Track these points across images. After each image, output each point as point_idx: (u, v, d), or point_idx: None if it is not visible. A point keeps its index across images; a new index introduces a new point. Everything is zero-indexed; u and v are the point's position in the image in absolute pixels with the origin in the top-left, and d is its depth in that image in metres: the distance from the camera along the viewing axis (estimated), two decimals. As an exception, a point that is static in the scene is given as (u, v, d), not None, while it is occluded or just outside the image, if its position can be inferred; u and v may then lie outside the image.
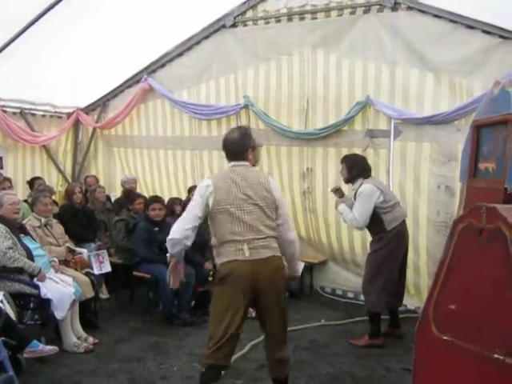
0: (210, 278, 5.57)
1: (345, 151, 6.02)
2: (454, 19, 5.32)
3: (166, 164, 7.81)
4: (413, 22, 5.59)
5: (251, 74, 6.74)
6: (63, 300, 4.60)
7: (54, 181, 8.13)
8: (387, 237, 4.85)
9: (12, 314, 4.12)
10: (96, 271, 5.65)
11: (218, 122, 7.10)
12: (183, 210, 5.87)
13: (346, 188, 5.31)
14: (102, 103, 8.15)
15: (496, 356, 2.35)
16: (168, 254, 3.54)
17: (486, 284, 2.48)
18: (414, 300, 5.94)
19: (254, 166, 3.56)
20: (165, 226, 5.86)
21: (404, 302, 5.41)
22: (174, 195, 7.22)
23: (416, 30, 5.58)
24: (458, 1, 5.13)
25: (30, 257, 4.68)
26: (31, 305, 4.44)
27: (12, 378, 3.61)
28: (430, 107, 5.61)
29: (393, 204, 4.89)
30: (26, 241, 4.85)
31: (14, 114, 7.44)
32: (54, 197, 6.55)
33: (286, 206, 3.59)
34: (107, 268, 5.87)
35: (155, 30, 6.37)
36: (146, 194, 7.27)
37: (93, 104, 8.24)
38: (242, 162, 3.44)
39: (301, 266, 6.29)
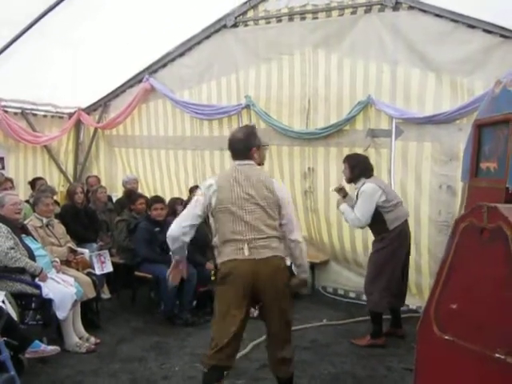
0: (213, 278, 5.57)
1: (346, 151, 6.03)
2: (455, 19, 5.31)
3: (167, 164, 7.81)
4: (414, 21, 5.58)
5: (252, 73, 6.74)
6: (65, 300, 4.61)
7: (56, 181, 8.14)
8: (390, 236, 4.85)
9: (14, 314, 4.12)
10: (98, 271, 5.67)
11: (220, 122, 7.10)
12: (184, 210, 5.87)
13: (347, 187, 5.31)
14: (104, 103, 8.15)
15: (497, 355, 2.35)
16: (171, 252, 3.55)
17: (487, 283, 2.47)
18: (415, 299, 5.93)
19: (259, 165, 3.55)
20: (166, 226, 5.80)
21: (406, 302, 5.40)
22: (176, 195, 7.22)
23: (417, 29, 5.57)
24: (459, 0, 5.13)
25: (32, 257, 4.69)
26: (33, 305, 4.45)
27: (14, 378, 3.62)
28: (431, 107, 5.60)
29: (395, 203, 4.89)
30: (28, 241, 4.85)
31: (16, 114, 7.45)
32: (55, 197, 6.57)
33: (291, 206, 3.53)
34: (109, 268, 5.88)
35: (156, 30, 6.38)
36: (148, 194, 7.28)
37: (94, 104, 8.25)
38: (246, 162, 3.44)
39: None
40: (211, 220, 6.38)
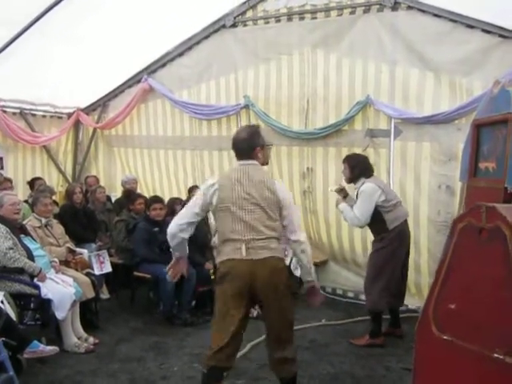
0: (213, 277, 5.59)
1: (345, 151, 6.03)
2: (454, 18, 5.32)
3: (166, 164, 7.81)
4: (413, 21, 5.59)
5: (251, 73, 6.75)
6: (64, 300, 4.60)
7: (55, 181, 8.13)
8: (389, 236, 4.85)
9: (12, 315, 4.12)
10: (96, 271, 5.66)
11: (219, 122, 7.10)
12: (183, 210, 5.85)
13: (347, 187, 5.31)
14: (103, 103, 8.15)
15: (496, 355, 2.35)
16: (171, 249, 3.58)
17: (485, 283, 2.47)
18: (414, 299, 5.93)
19: (263, 165, 3.55)
20: (165, 226, 5.79)
21: (405, 302, 5.40)
22: (175, 195, 7.21)
23: (416, 29, 5.58)
24: (458, 0, 5.13)
25: (31, 257, 4.68)
26: (32, 305, 4.44)
27: (12, 379, 3.61)
28: (430, 107, 5.61)
29: (394, 203, 4.89)
30: (27, 241, 4.85)
31: (14, 114, 7.45)
32: (54, 197, 6.56)
33: (293, 207, 3.51)
34: (108, 268, 5.87)
35: (155, 30, 6.37)
36: (147, 194, 7.28)
37: (93, 104, 8.25)
38: (250, 161, 3.44)
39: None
40: (211, 220, 6.44)
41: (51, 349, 4.30)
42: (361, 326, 5.47)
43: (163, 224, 5.84)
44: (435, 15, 5.42)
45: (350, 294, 6.55)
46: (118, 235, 6.32)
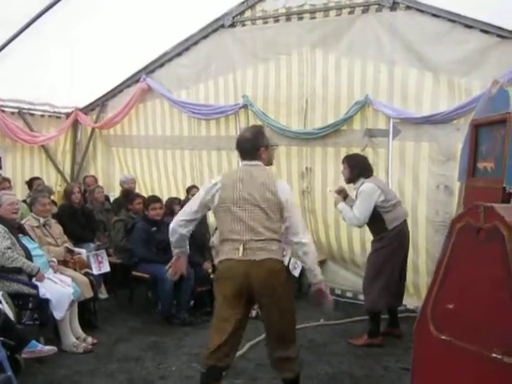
0: (212, 276, 5.59)
1: (344, 151, 6.04)
2: (453, 18, 5.32)
3: (164, 164, 7.80)
4: (411, 21, 5.59)
5: (250, 73, 6.75)
6: (62, 300, 4.60)
7: (53, 181, 8.12)
8: (389, 236, 4.86)
9: (10, 314, 4.11)
10: (95, 271, 5.64)
11: (217, 122, 7.10)
12: (182, 209, 5.84)
13: (346, 187, 5.31)
14: (101, 103, 8.14)
15: (494, 355, 2.35)
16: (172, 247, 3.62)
17: (483, 283, 2.47)
18: (413, 299, 5.94)
19: (267, 165, 3.55)
20: (163, 226, 5.85)
21: (403, 302, 5.40)
22: (173, 195, 7.22)
23: (414, 29, 5.58)
24: (457, 0, 5.13)
25: (29, 257, 4.67)
26: (30, 305, 4.43)
27: (10, 378, 3.61)
28: (428, 106, 5.61)
29: (394, 203, 4.90)
30: (25, 241, 4.84)
31: (13, 113, 7.44)
32: (52, 197, 6.56)
33: (296, 209, 3.47)
34: (106, 268, 5.86)
35: (154, 30, 6.37)
36: (145, 194, 7.26)
37: (91, 104, 8.24)
38: (253, 162, 3.44)
39: (299, 265, 6.32)
40: (209, 220, 6.43)
41: (49, 349, 4.29)
42: (359, 325, 5.47)
43: (161, 224, 5.85)
44: (434, 15, 5.43)
45: (349, 294, 6.54)
46: (117, 235, 6.32)
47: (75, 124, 8.35)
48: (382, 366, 4.54)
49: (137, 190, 7.54)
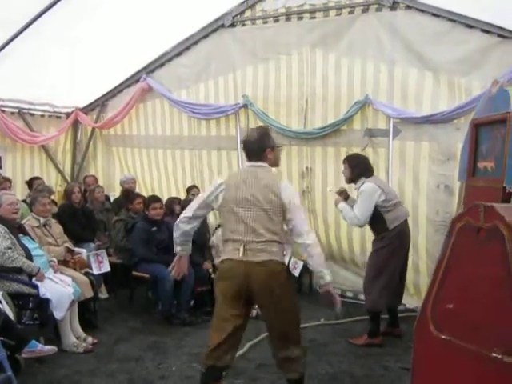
0: (213, 275, 5.60)
1: (344, 150, 6.04)
2: (453, 18, 5.32)
3: (165, 163, 7.80)
4: (411, 21, 5.59)
5: (250, 73, 6.74)
6: (62, 300, 4.60)
7: (53, 181, 8.12)
8: (389, 235, 4.86)
9: (11, 314, 4.10)
10: (95, 271, 5.65)
11: (217, 122, 7.10)
12: (182, 209, 5.90)
13: (347, 187, 5.31)
14: (101, 103, 8.14)
15: (494, 355, 2.35)
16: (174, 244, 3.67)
17: (483, 283, 2.47)
18: (413, 299, 5.94)
19: (273, 166, 3.57)
20: (163, 226, 5.87)
21: (403, 301, 5.42)
22: (173, 195, 7.22)
23: (415, 29, 5.58)
24: (457, 0, 5.13)
25: (29, 257, 4.67)
26: (30, 305, 4.43)
27: (10, 378, 3.61)
28: (428, 106, 5.61)
29: (394, 203, 4.90)
30: (25, 241, 4.84)
31: (13, 113, 7.43)
32: (52, 197, 6.56)
33: (300, 210, 3.44)
34: (106, 268, 5.86)
35: (154, 30, 6.37)
36: (145, 194, 7.26)
37: (92, 104, 8.24)
38: (259, 163, 3.45)
39: (299, 265, 6.33)
40: (209, 220, 6.43)
41: (49, 348, 4.29)
42: (359, 325, 5.47)
43: (161, 224, 5.86)
44: (434, 15, 5.42)
45: (349, 294, 6.54)
46: (117, 235, 6.32)
47: (75, 124, 8.34)
48: (382, 365, 4.54)
49: (137, 190, 7.54)
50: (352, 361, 4.64)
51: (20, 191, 7.19)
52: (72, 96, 7.68)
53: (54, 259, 5.09)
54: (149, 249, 5.76)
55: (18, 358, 4.01)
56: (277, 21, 6.48)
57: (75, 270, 5.32)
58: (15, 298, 4.38)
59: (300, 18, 6.31)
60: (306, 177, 6.59)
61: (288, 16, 6.37)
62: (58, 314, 4.56)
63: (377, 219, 4.85)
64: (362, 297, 5.43)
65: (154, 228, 5.80)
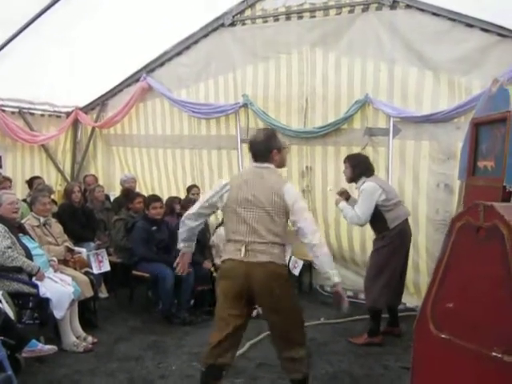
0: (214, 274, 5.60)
1: (344, 149, 6.04)
2: (453, 17, 5.32)
3: (165, 163, 7.80)
4: (411, 20, 5.59)
5: (250, 72, 6.74)
6: (62, 299, 4.60)
7: (53, 180, 8.12)
8: (390, 235, 4.87)
9: (11, 314, 4.10)
10: (95, 270, 5.65)
11: (217, 121, 7.10)
12: (182, 208, 5.91)
13: (348, 187, 5.31)
14: (101, 102, 8.14)
15: (494, 354, 2.35)
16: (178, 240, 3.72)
17: (483, 282, 2.47)
18: (413, 298, 5.94)
19: (280, 167, 3.58)
20: (163, 225, 5.87)
21: (403, 300, 5.42)
22: (174, 194, 7.22)
23: (415, 28, 5.57)
24: (457, -1, 5.14)
25: (29, 256, 4.67)
26: (30, 304, 4.42)
27: (11, 378, 3.61)
28: (428, 105, 5.61)
29: (395, 202, 4.91)
30: (25, 240, 4.84)
31: (13, 113, 7.43)
32: (53, 196, 6.56)
33: (305, 211, 3.43)
34: (106, 267, 5.86)
35: (154, 29, 6.36)
36: (146, 193, 7.26)
37: (92, 103, 8.24)
38: (264, 164, 3.45)
39: (299, 264, 6.32)
40: (210, 219, 6.43)
41: (50, 348, 4.29)
42: (359, 324, 5.47)
43: (162, 223, 5.86)
44: (434, 14, 5.42)
45: (349, 293, 6.48)
46: (117, 234, 6.32)
47: (75, 123, 8.34)
48: (381, 364, 4.54)
49: (137, 189, 7.53)
50: (352, 360, 4.64)
51: (20, 190, 7.19)
52: (72, 95, 7.68)
53: (54, 258, 5.09)
54: (149, 248, 5.76)
55: (18, 357, 4.01)
56: (277, 20, 6.47)
57: (75, 269, 5.31)
58: (15, 297, 4.38)
59: (300, 17, 6.31)
60: (306, 176, 6.59)
61: (288, 15, 6.36)
62: (58, 314, 4.56)
63: (377, 218, 4.85)
64: (362, 296, 5.43)
65: (154, 227, 5.79)
